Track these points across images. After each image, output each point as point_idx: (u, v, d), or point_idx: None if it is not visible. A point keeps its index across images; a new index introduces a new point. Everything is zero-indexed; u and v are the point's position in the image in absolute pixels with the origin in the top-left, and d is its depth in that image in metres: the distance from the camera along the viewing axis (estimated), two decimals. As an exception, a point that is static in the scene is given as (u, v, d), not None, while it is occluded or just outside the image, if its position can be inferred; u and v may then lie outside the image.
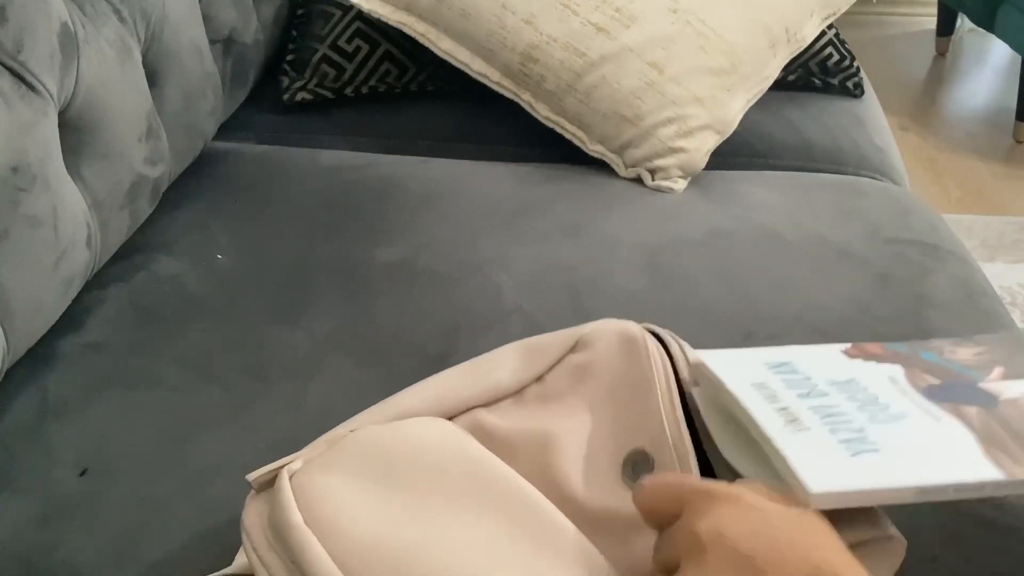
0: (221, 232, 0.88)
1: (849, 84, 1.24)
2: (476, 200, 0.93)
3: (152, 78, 0.88)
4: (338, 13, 1.14)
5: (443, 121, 1.14)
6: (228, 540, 0.56)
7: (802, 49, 1.14)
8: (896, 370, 0.51)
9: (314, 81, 1.14)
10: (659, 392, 0.49)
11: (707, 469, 0.47)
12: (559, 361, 0.54)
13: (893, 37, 2.80)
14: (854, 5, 1.18)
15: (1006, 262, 1.78)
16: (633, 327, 0.53)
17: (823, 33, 1.20)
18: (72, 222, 0.72)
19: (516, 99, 1.04)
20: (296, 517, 0.42)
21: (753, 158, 1.09)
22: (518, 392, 0.53)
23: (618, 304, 0.78)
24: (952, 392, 0.49)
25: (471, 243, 0.86)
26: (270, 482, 0.46)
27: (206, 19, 0.99)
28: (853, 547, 0.37)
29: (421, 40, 1.05)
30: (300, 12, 1.21)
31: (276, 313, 0.77)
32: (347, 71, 1.14)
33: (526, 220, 0.90)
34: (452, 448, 0.46)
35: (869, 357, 0.53)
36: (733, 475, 0.44)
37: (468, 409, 0.52)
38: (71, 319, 0.75)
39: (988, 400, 0.48)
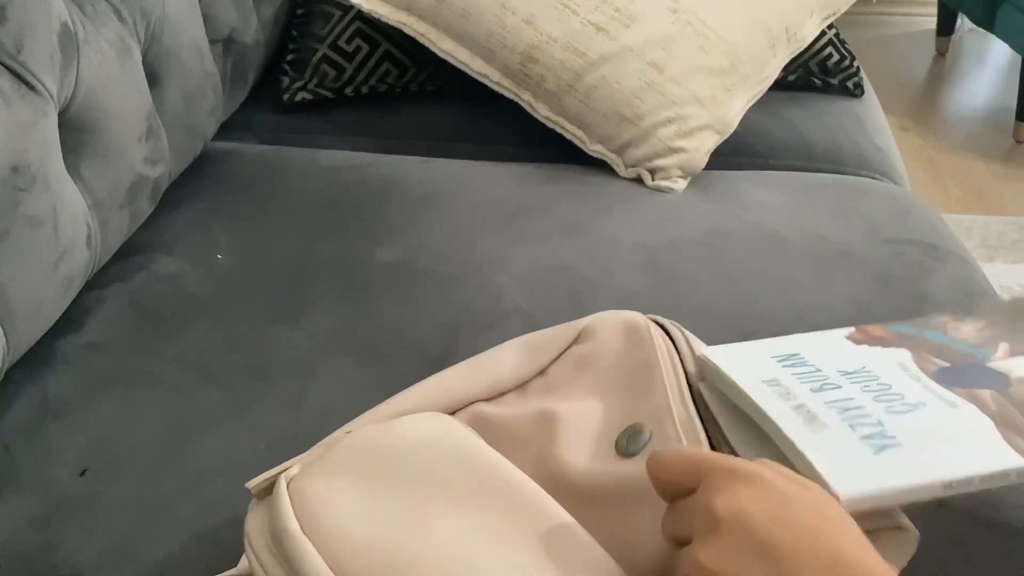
0: (221, 232, 0.88)
1: (849, 84, 1.24)
2: (476, 200, 0.93)
3: (152, 78, 0.88)
4: (338, 13, 1.14)
5: (443, 121, 1.14)
6: (228, 540, 0.56)
7: (802, 49, 1.14)
8: (903, 354, 0.50)
9: (314, 81, 1.14)
10: (664, 375, 0.48)
11: None
12: (561, 354, 0.54)
13: (893, 37, 2.80)
14: (854, 5, 1.18)
15: (1006, 262, 1.78)
16: (636, 316, 0.53)
17: (823, 33, 1.20)
18: (72, 222, 0.72)
19: (516, 99, 1.04)
20: (293, 525, 0.42)
21: (753, 158, 1.09)
22: (521, 387, 0.53)
23: (618, 304, 0.78)
24: (963, 375, 0.48)
25: (471, 243, 0.86)
26: (269, 489, 0.46)
27: (206, 19, 0.99)
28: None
29: (421, 40, 1.05)
30: (300, 12, 1.21)
31: (276, 313, 0.77)
32: (347, 71, 1.14)
33: (526, 220, 0.90)
34: (447, 443, 0.46)
35: (875, 342, 0.52)
36: None
37: (469, 404, 0.52)
38: (71, 319, 0.75)
39: (1000, 381, 0.47)
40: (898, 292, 0.81)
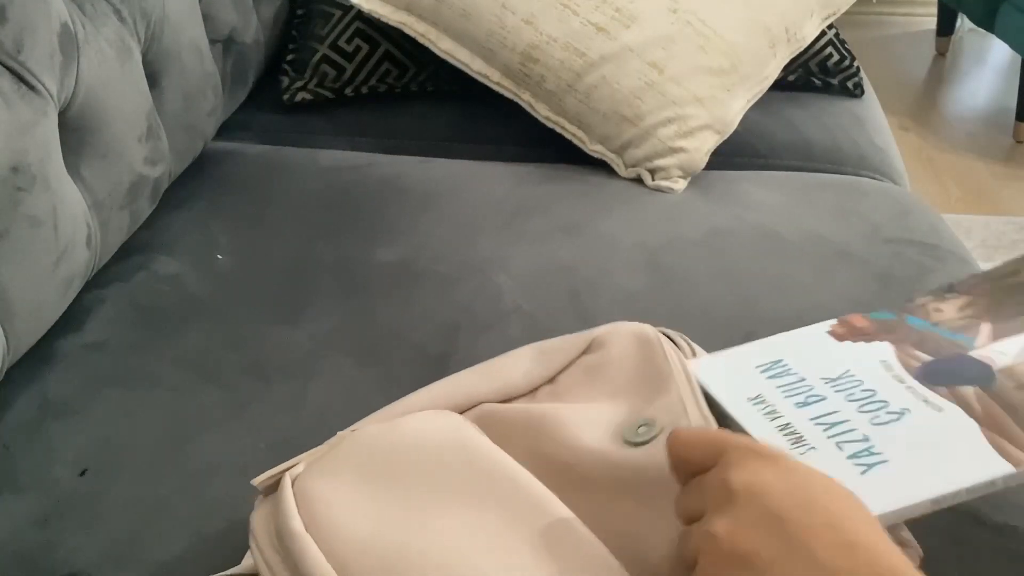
0: (221, 232, 0.88)
1: (849, 84, 1.24)
2: (476, 200, 0.93)
3: (152, 78, 0.88)
4: (338, 13, 1.14)
5: (443, 121, 1.14)
6: (228, 540, 0.56)
7: (802, 49, 1.14)
8: (886, 349, 0.50)
9: (314, 81, 1.14)
10: (677, 381, 0.48)
11: None
12: (572, 363, 0.54)
13: (893, 37, 2.80)
14: (854, 5, 1.18)
15: (1006, 262, 1.77)
16: (648, 329, 0.53)
17: (823, 33, 1.20)
18: (72, 222, 0.72)
19: (516, 99, 1.04)
20: (296, 524, 0.42)
21: (753, 158, 1.09)
22: (530, 393, 0.53)
23: (618, 304, 0.78)
24: (947, 370, 0.48)
25: (471, 243, 0.86)
26: (275, 486, 0.46)
27: (206, 19, 0.99)
28: None
29: (421, 40, 1.05)
30: (300, 12, 1.21)
31: (276, 313, 0.77)
32: (347, 71, 1.14)
33: (526, 220, 0.90)
34: (451, 441, 0.46)
35: (857, 336, 0.52)
36: None
37: (478, 405, 0.52)
38: (71, 319, 0.75)
39: (984, 375, 0.47)
40: (898, 292, 0.81)
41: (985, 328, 0.50)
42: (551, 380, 0.54)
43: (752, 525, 0.34)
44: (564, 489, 0.44)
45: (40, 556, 0.56)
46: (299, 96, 1.14)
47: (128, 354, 0.72)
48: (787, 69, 1.19)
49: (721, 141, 1.03)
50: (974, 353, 0.49)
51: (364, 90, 1.16)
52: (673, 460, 0.40)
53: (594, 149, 1.02)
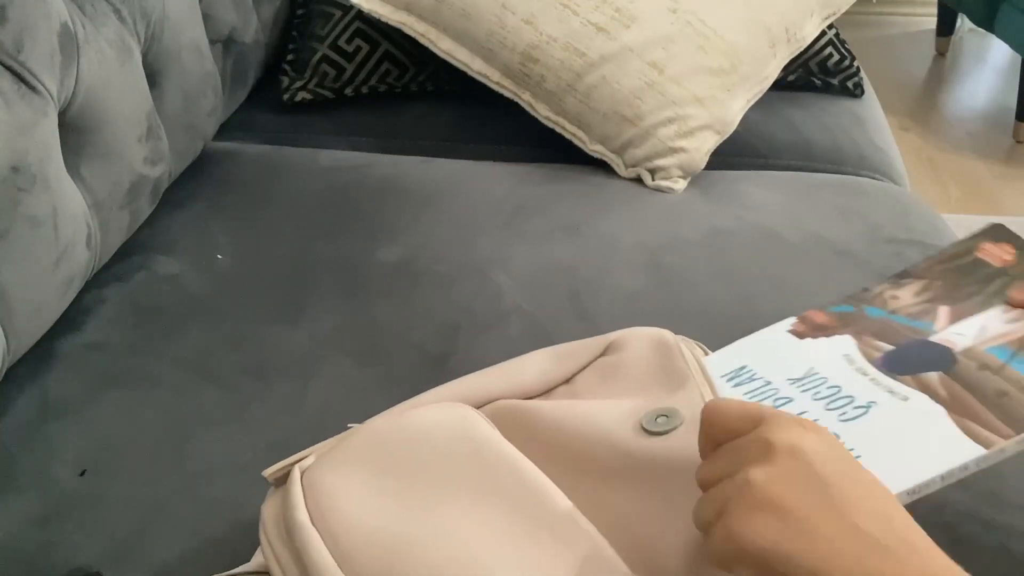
0: (221, 232, 0.88)
1: (849, 84, 1.24)
2: (476, 200, 0.93)
3: (152, 78, 0.88)
4: (338, 13, 1.14)
5: (443, 121, 1.14)
6: (228, 540, 0.56)
7: (802, 49, 1.14)
8: (848, 344, 0.50)
9: (314, 81, 1.14)
10: (696, 381, 0.48)
11: None
12: (589, 364, 0.54)
13: (893, 37, 2.80)
14: (854, 5, 1.18)
15: (1006, 262, 1.78)
16: (666, 333, 0.53)
17: (823, 33, 1.20)
18: (72, 222, 0.72)
19: (516, 99, 1.04)
20: (302, 515, 0.43)
21: (753, 158, 1.09)
22: (546, 393, 0.53)
23: (618, 304, 0.78)
24: (909, 357, 0.48)
25: (471, 243, 0.86)
26: (285, 477, 0.47)
27: (206, 19, 0.99)
28: None
29: (421, 40, 1.05)
30: (300, 12, 1.21)
31: (276, 313, 0.77)
32: (347, 71, 1.14)
33: (526, 220, 0.90)
34: (458, 435, 0.46)
35: (817, 332, 0.52)
36: None
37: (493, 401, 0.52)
38: (71, 319, 0.75)
39: (946, 360, 0.47)
40: (898, 292, 0.81)
41: (943, 311, 0.51)
42: (568, 381, 0.54)
43: (792, 480, 0.34)
44: (578, 478, 0.44)
45: (40, 556, 0.56)
46: (299, 96, 1.14)
47: (128, 354, 0.72)
48: (787, 69, 1.19)
49: (721, 141, 1.03)
50: (934, 338, 0.49)
51: (364, 90, 1.16)
52: (707, 427, 0.40)
53: (594, 149, 1.02)
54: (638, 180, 1.00)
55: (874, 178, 1.08)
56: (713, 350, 0.54)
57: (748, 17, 1.05)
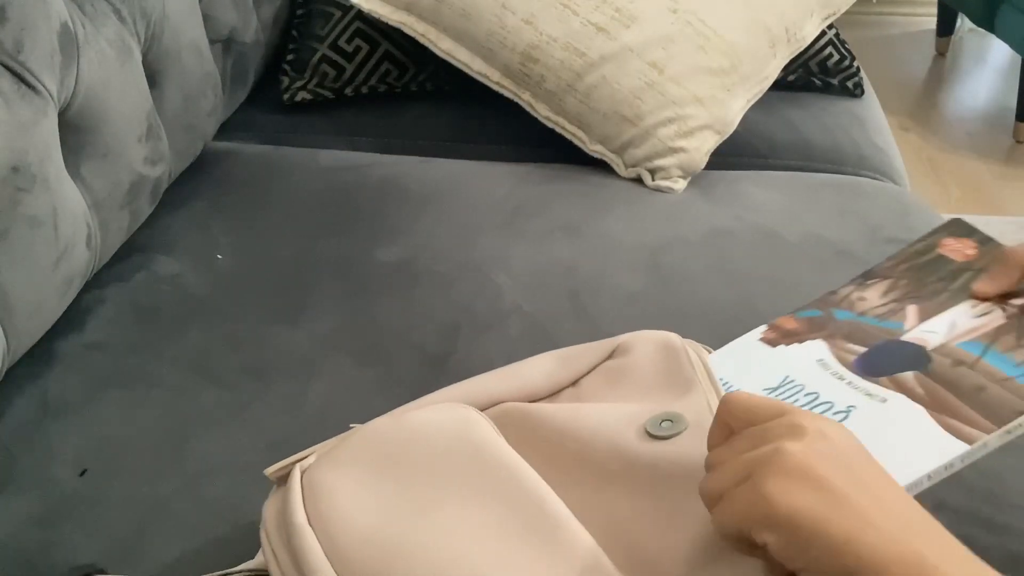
0: (221, 232, 0.88)
1: (849, 84, 1.24)
2: (476, 200, 0.93)
3: (152, 78, 0.88)
4: (338, 13, 1.14)
5: (443, 121, 1.14)
6: (228, 539, 0.56)
7: (802, 49, 1.14)
8: (820, 348, 0.50)
9: (314, 81, 1.14)
10: (703, 386, 0.48)
11: None
12: (595, 367, 0.54)
13: (893, 37, 2.80)
14: (854, 5, 1.18)
15: (1006, 262, 1.77)
16: (673, 336, 0.53)
17: (823, 33, 1.20)
18: (72, 222, 0.72)
19: (516, 99, 1.04)
20: (299, 516, 0.43)
21: (753, 158, 1.09)
22: (552, 395, 0.53)
23: (618, 304, 0.78)
24: (883, 359, 0.48)
25: (471, 243, 0.86)
26: (287, 477, 0.47)
27: (206, 19, 0.99)
28: None
29: (421, 40, 1.05)
30: (300, 12, 1.21)
31: (276, 313, 0.77)
32: (347, 71, 1.14)
33: (526, 220, 0.90)
34: (458, 436, 0.46)
35: (790, 338, 0.52)
36: None
37: (498, 404, 0.52)
38: (71, 319, 0.75)
39: (919, 358, 0.47)
40: (898, 292, 0.81)
41: (911, 310, 0.51)
42: (574, 384, 0.54)
43: (824, 456, 0.35)
44: (579, 481, 0.44)
45: (40, 556, 0.56)
46: (299, 96, 1.14)
47: (128, 354, 0.72)
48: (787, 69, 1.19)
49: (721, 141, 1.03)
50: (905, 337, 0.49)
51: (364, 90, 1.16)
52: (728, 415, 0.40)
53: (594, 149, 1.02)
54: (638, 180, 1.00)
55: (874, 178, 1.08)
56: (713, 350, 0.54)
57: (748, 17, 1.05)
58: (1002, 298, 0.50)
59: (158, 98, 0.88)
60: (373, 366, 0.71)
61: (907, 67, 2.63)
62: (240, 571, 0.49)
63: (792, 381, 0.49)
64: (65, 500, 0.59)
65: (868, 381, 0.47)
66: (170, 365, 0.71)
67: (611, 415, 0.47)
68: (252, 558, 0.50)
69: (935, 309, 0.50)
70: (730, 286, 0.81)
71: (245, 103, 1.14)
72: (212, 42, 1.01)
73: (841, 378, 0.47)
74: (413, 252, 0.84)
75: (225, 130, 1.07)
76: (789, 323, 0.54)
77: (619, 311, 0.77)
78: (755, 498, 0.35)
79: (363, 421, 0.52)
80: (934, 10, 2.69)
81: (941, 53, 2.69)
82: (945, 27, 2.65)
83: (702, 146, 1.00)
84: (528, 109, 1.04)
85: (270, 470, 0.48)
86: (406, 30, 1.05)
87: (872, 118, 1.22)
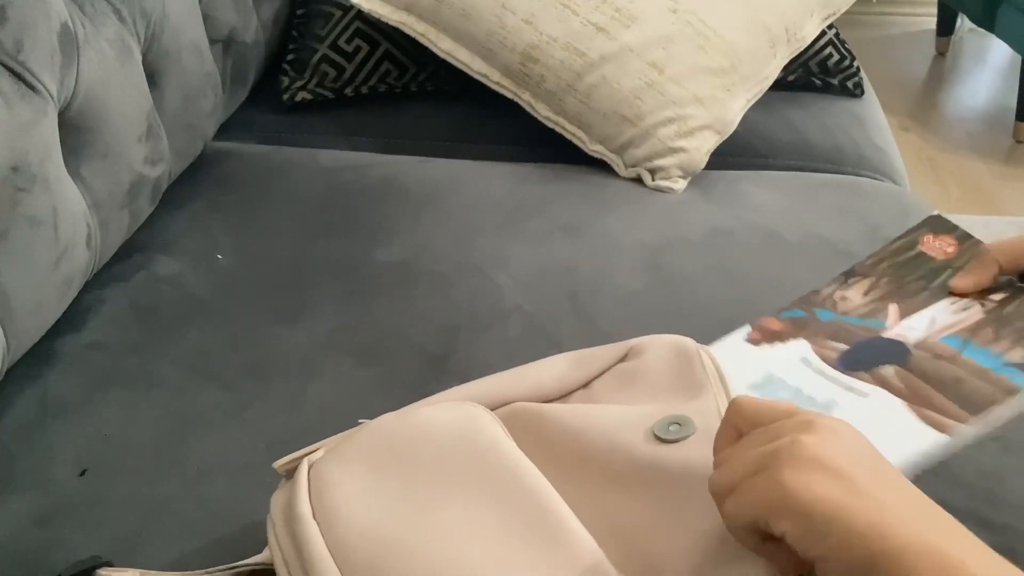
0: (221, 232, 0.88)
1: (849, 84, 1.24)
2: (476, 200, 0.93)
3: (152, 78, 0.88)
4: (338, 13, 1.14)
5: (443, 121, 1.14)
6: (228, 539, 0.56)
7: (802, 49, 1.14)
8: (803, 347, 0.51)
9: (314, 81, 1.14)
10: (714, 390, 0.49)
11: None
12: (607, 369, 0.54)
13: (893, 37, 2.80)
14: (854, 5, 1.18)
15: (1006, 262, 1.77)
16: (687, 341, 0.53)
17: (823, 33, 1.20)
18: (72, 222, 0.72)
19: (516, 99, 1.04)
20: (304, 508, 0.43)
21: (753, 158, 1.09)
22: (563, 397, 0.53)
23: (618, 304, 0.78)
24: (864, 355, 0.49)
25: (471, 243, 0.86)
26: (295, 470, 0.47)
27: (206, 19, 0.99)
28: None
29: (421, 40, 1.05)
30: (300, 12, 1.21)
31: (276, 313, 0.77)
32: (347, 71, 1.14)
33: (526, 220, 0.90)
34: (463, 434, 0.46)
35: (773, 338, 0.53)
36: None
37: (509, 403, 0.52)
38: (71, 319, 0.75)
39: (900, 354, 0.48)
40: (898, 292, 0.81)
41: (892, 308, 0.52)
42: (585, 385, 0.54)
43: (839, 449, 0.35)
44: (584, 482, 0.44)
45: (40, 556, 0.56)
46: (299, 96, 1.14)
47: (128, 354, 0.72)
48: (787, 69, 1.19)
49: (721, 141, 1.03)
50: (886, 334, 0.50)
51: (364, 90, 1.16)
52: (738, 416, 0.40)
53: (594, 149, 1.02)
54: (638, 180, 1.00)
55: (874, 178, 1.08)
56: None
57: (748, 17, 1.05)
58: (981, 294, 0.51)
59: (158, 98, 0.88)
60: (373, 366, 0.71)
61: (907, 67, 2.63)
62: (247, 564, 0.49)
63: (776, 377, 0.49)
64: (65, 500, 0.59)
65: (850, 376, 0.48)
66: (170, 365, 0.71)
67: (619, 417, 0.47)
68: (253, 557, 0.50)
69: (916, 306, 0.52)
70: (730, 286, 0.81)
71: (245, 103, 1.14)
72: (212, 42, 1.01)
73: (823, 374, 0.48)
74: (413, 252, 0.84)
75: (225, 130, 1.07)
76: (773, 324, 0.54)
77: (619, 311, 0.77)
78: (772, 485, 0.35)
79: (371, 418, 0.52)
80: (934, 10, 2.69)
81: (941, 53, 2.69)
82: (945, 27, 2.65)
83: (702, 146, 1.00)
84: (528, 109, 1.04)
85: (279, 463, 0.48)
86: (406, 30, 1.05)
87: (872, 118, 1.22)
